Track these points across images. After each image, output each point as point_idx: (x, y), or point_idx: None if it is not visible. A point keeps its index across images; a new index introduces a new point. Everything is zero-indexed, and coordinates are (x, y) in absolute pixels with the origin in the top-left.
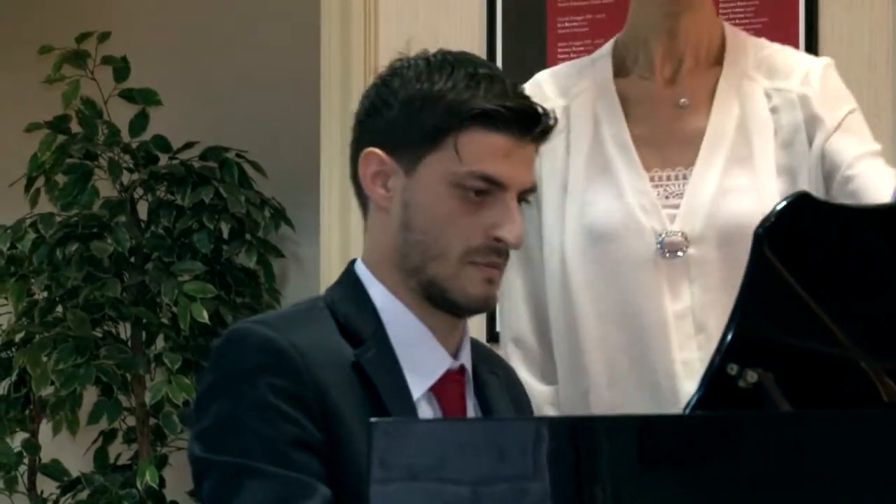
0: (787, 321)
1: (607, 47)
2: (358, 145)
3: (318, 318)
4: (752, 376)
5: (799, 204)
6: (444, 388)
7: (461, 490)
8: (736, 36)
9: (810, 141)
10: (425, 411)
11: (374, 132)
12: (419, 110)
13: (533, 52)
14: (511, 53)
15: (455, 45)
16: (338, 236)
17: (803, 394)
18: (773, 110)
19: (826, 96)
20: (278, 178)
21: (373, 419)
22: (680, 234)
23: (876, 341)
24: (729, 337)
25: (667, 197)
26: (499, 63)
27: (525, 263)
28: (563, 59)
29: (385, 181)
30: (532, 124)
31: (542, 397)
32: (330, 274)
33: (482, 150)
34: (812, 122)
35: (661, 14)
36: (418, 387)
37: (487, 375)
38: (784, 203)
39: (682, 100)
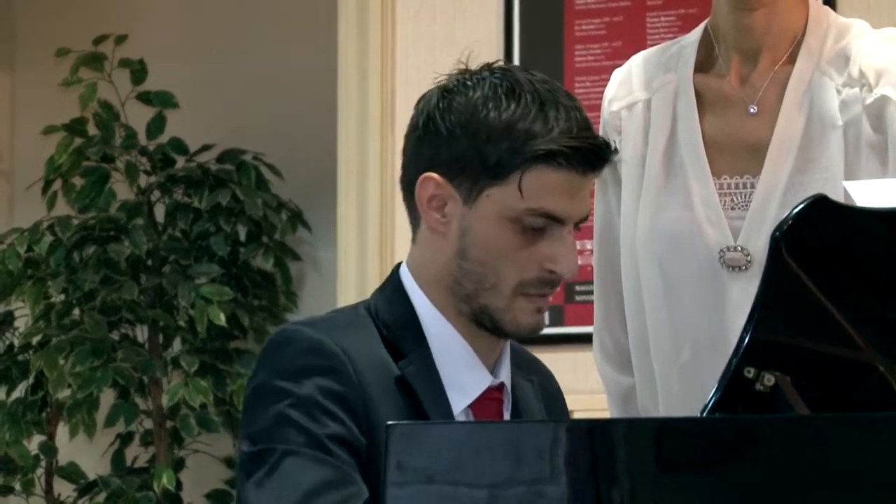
0: (805, 324)
1: (697, 32)
2: (415, 161)
3: (362, 326)
4: (769, 379)
5: (816, 207)
6: (483, 407)
7: (477, 493)
8: (818, 23)
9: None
10: None
11: (434, 155)
12: (484, 142)
13: (550, 55)
14: (528, 56)
15: (472, 48)
16: (355, 239)
17: (820, 397)
18: (843, 108)
19: None
20: (295, 180)
21: (389, 422)
22: (740, 251)
23: (893, 344)
24: (746, 340)
25: (732, 208)
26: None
27: (606, 254)
28: (581, 63)
29: (442, 206)
30: (597, 161)
31: (626, 390)
32: (347, 276)
33: (545, 188)
34: (881, 114)
35: (733, 10)
36: (457, 403)
37: (522, 384)
38: (801, 206)
39: (752, 108)
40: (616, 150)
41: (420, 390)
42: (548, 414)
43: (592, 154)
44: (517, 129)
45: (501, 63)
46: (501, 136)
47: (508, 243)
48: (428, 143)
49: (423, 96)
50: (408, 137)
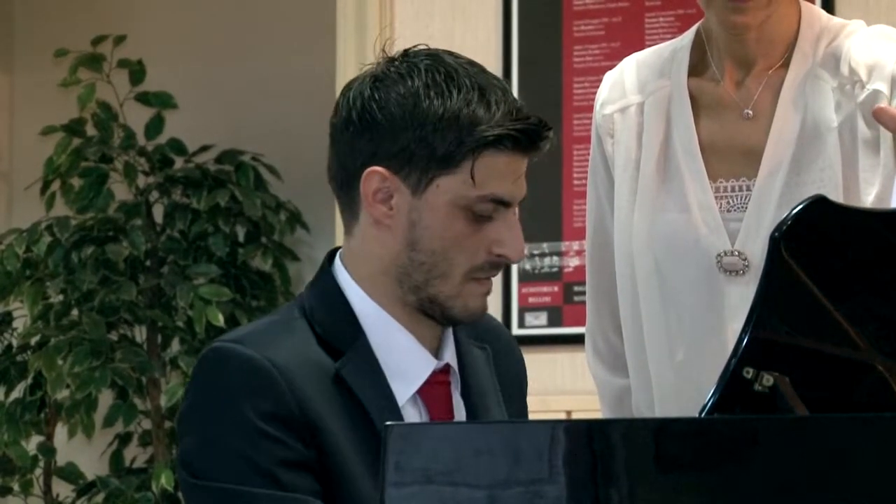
0: (804, 324)
1: (689, 35)
2: (352, 156)
3: (295, 330)
4: (768, 379)
5: (815, 207)
6: (430, 390)
7: (476, 494)
8: (810, 27)
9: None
10: (411, 416)
11: (376, 148)
12: (431, 132)
13: (549, 56)
14: (527, 56)
15: (471, 48)
16: None
17: (820, 397)
18: (838, 108)
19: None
20: (294, 181)
21: (388, 423)
22: (738, 255)
23: (893, 343)
24: (745, 340)
25: (729, 210)
26: (514, 66)
27: (599, 255)
28: (580, 63)
29: (388, 198)
30: (538, 140)
31: (619, 391)
32: None
33: (494, 173)
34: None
35: (724, 25)
36: (404, 392)
37: (472, 353)
38: (800, 206)
39: (747, 111)
40: (550, 128)
41: (358, 387)
42: (501, 384)
43: (535, 134)
44: (463, 117)
45: (422, 46)
46: (449, 126)
47: (460, 231)
48: (367, 136)
49: (349, 85)
50: (340, 130)
